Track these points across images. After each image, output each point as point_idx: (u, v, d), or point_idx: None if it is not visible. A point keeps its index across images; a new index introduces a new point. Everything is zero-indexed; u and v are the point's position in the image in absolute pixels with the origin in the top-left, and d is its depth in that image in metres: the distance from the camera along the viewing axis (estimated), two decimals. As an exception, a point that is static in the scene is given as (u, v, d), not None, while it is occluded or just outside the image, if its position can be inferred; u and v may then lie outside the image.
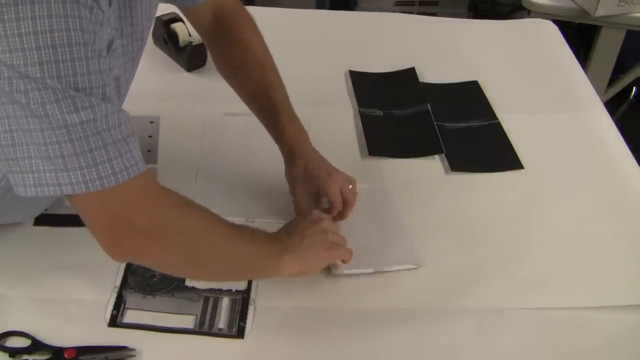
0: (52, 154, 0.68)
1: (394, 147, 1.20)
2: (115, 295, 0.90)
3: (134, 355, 0.83)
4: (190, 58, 1.34)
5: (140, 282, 0.92)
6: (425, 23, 1.64)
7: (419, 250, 0.99)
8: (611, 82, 2.10)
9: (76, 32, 0.65)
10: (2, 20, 0.63)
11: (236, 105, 1.08)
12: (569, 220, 1.07)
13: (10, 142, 0.70)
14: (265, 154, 1.07)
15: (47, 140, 0.67)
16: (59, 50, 0.64)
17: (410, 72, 1.39)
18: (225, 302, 0.91)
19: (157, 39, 1.40)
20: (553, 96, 1.35)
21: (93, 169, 0.69)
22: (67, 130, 0.67)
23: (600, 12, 1.83)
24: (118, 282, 0.92)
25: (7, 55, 0.64)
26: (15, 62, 0.64)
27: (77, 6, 0.65)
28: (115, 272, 0.93)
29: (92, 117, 0.67)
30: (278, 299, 0.91)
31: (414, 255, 0.98)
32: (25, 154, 0.70)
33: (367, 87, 1.35)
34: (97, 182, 0.69)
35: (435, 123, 1.25)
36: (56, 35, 0.64)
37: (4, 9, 0.62)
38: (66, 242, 0.96)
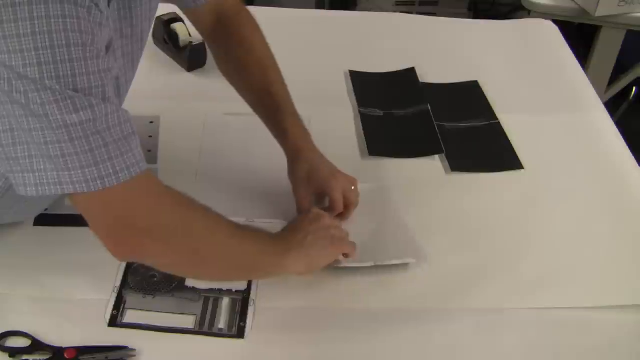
0: (52, 153, 0.68)
1: (394, 147, 1.20)
2: (115, 295, 0.90)
3: (134, 355, 0.83)
4: (191, 58, 1.34)
5: (140, 282, 0.92)
6: (425, 23, 1.63)
7: (419, 245, 0.99)
8: (611, 82, 2.10)
9: (74, 33, 0.65)
10: (0, 21, 0.63)
11: (236, 105, 1.08)
12: (569, 220, 1.07)
13: (11, 141, 0.71)
14: (265, 153, 1.07)
15: (48, 139, 0.67)
16: (57, 51, 0.64)
17: (410, 72, 1.39)
18: (225, 302, 0.91)
19: (157, 39, 1.40)
20: (553, 96, 1.35)
21: (94, 168, 0.69)
22: (67, 130, 0.67)
23: (600, 12, 1.83)
24: (118, 282, 0.92)
25: (6, 57, 0.64)
26: (14, 63, 0.64)
27: (75, 7, 0.66)
28: (115, 272, 0.93)
29: (91, 117, 0.67)
30: (278, 299, 0.91)
31: (414, 249, 0.98)
32: (26, 153, 0.70)
33: (367, 87, 1.35)
34: (99, 182, 0.69)
35: (435, 123, 1.25)
36: (54, 36, 0.64)
37: (2, 10, 0.62)
38: (66, 242, 0.96)
